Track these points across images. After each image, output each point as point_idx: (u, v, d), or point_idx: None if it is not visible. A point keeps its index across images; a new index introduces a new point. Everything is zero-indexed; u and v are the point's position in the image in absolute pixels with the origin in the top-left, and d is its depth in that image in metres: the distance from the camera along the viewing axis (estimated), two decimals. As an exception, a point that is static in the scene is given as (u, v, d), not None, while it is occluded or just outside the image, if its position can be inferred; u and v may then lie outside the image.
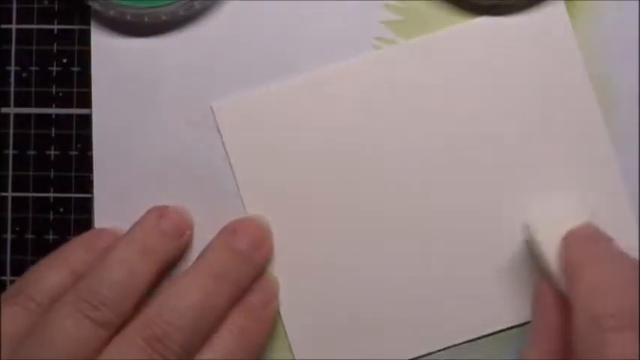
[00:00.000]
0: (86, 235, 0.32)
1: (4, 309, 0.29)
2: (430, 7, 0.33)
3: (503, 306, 0.33)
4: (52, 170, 0.34)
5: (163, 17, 0.32)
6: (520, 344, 0.33)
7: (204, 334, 0.29)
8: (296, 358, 0.33)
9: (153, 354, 0.27)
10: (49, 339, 0.27)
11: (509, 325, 0.33)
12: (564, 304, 0.28)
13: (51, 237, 0.34)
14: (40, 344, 0.27)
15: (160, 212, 0.31)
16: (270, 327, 0.32)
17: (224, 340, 0.29)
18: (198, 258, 0.30)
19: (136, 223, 0.31)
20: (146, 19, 0.32)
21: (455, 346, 0.33)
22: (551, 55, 0.33)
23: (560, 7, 0.33)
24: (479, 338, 0.33)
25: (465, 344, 0.33)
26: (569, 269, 0.28)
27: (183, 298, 0.28)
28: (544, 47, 0.33)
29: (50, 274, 0.30)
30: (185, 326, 0.28)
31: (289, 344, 0.33)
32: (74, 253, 0.31)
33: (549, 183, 0.33)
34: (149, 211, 0.32)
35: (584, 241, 0.29)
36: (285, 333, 0.33)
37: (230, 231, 0.31)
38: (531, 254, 0.32)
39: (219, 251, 0.30)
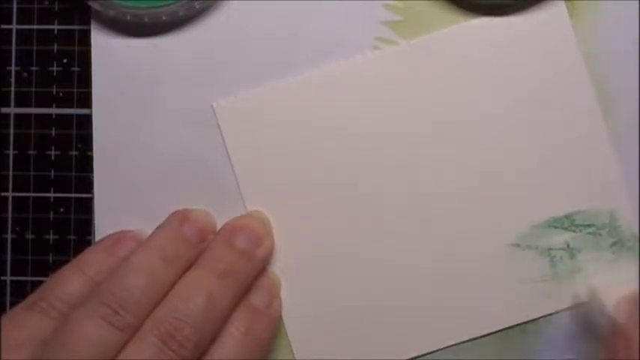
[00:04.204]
0: (107, 241, 0.32)
1: (27, 315, 0.29)
2: (430, 7, 0.33)
3: (503, 305, 0.33)
4: (52, 170, 0.34)
5: (163, 17, 0.32)
6: (520, 344, 0.33)
7: (212, 333, 0.29)
8: (296, 357, 0.33)
9: (168, 352, 0.27)
10: (70, 343, 0.27)
11: (510, 324, 0.33)
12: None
13: (51, 237, 0.34)
14: (61, 348, 0.27)
15: (182, 216, 0.31)
16: (276, 325, 0.32)
17: (232, 340, 0.29)
18: (201, 257, 0.30)
19: (158, 228, 0.31)
20: (146, 19, 0.32)
21: (455, 345, 0.33)
22: (552, 55, 0.33)
23: (561, 7, 0.33)
24: (479, 338, 0.33)
25: (465, 344, 0.33)
26: (627, 329, 0.29)
27: (189, 298, 0.28)
28: (544, 47, 0.33)
29: (71, 281, 0.30)
30: (195, 324, 0.28)
31: (289, 343, 0.33)
32: (95, 259, 0.31)
33: (549, 181, 0.33)
34: (172, 215, 0.32)
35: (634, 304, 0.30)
36: (285, 332, 0.33)
37: (230, 229, 0.31)
38: (589, 314, 0.32)
39: (221, 250, 0.30)
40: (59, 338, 0.27)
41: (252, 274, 0.31)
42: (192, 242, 0.31)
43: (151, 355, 0.27)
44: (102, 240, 0.32)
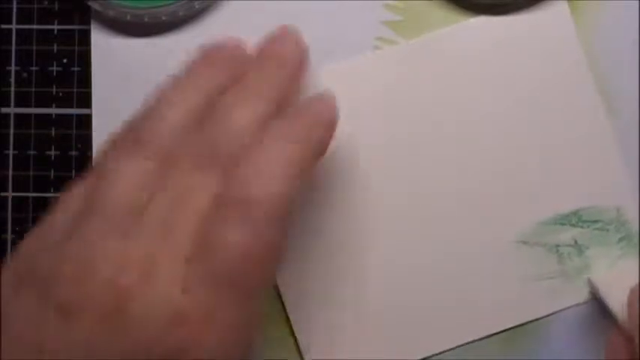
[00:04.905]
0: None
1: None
2: (430, 6, 0.33)
3: (511, 304, 0.33)
4: (52, 170, 0.34)
5: (163, 17, 0.33)
6: (520, 344, 0.33)
7: None
8: (305, 358, 0.33)
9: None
10: (105, 186, 0.25)
11: (519, 323, 0.33)
12: (633, 352, 0.28)
13: (51, 237, 0.34)
14: (99, 193, 0.25)
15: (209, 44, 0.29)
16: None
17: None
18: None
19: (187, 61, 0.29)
20: (146, 19, 0.32)
21: (460, 346, 0.33)
22: (554, 53, 0.33)
23: (562, 5, 0.33)
24: (487, 337, 0.33)
25: (467, 345, 0.33)
26: (632, 319, 0.28)
27: (229, 122, 0.26)
28: (547, 45, 0.33)
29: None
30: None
31: (297, 343, 0.33)
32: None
33: (555, 178, 0.33)
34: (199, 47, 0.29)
35: None
36: (294, 333, 0.33)
37: (265, 47, 0.29)
38: (599, 304, 0.32)
39: (255, 72, 0.28)
40: (96, 184, 0.26)
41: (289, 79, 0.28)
42: (221, 64, 0.28)
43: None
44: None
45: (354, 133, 0.33)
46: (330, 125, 0.27)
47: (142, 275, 0.24)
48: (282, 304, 0.33)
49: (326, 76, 0.33)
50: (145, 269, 0.24)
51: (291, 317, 0.33)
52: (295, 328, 0.33)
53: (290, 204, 0.25)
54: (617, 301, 0.30)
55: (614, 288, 0.31)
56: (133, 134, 0.27)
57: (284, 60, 0.28)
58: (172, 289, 0.24)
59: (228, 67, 0.28)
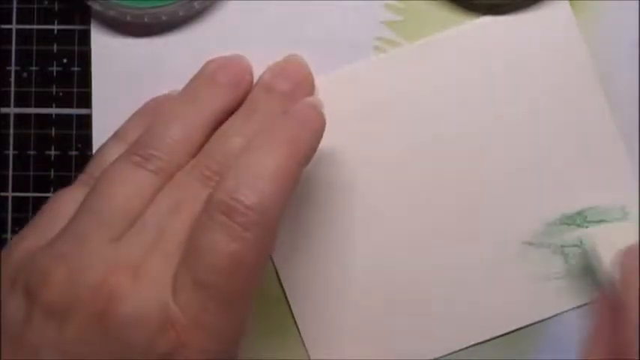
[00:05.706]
0: (143, 109, 0.31)
1: (71, 191, 0.28)
2: (430, 7, 0.33)
3: (517, 305, 0.33)
4: (52, 170, 0.34)
5: (163, 17, 0.33)
6: (522, 346, 0.33)
7: None
8: (311, 357, 0.33)
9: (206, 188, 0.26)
10: (104, 191, 0.26)
11: (525, 324, 0.33)
12: (619, 313, 0.28)
13: (51, 237, 0.34)
14: (97, 197, 0.26)
15: (215, 65, 0.31)
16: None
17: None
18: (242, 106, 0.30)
19: (191, 79, 0.31)
20: (146, 20, 0.32)
21: (465, 348, 0.33)
22: (557, 53, 0.32)
23: (564, 5, 0.33)
24: (494, 339, 0.33)
25: (471, 347, 0.33)
26: (624, 278, 0.28)
27: (228, 140, 0.28)
28: (549, 45, 0.32)
29: (112, 150, 0.29)
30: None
31: (304, 344, 0.33)
32: (133, 126, 0.30)
33: (560, 179, 0.33)
34: (204, 65, 0.31)
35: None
36: (299, 332, 0.33)
37: (268, 75, 0.30)
38: (585, 264, 0.32)
39: (259, 94, 0.30)
40: (93, 189, 0.27)
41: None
42: (226, 86, 0.30)
43: (185, 191, 0.26)
44: (137, 110, 0.32)
45: (359, 136, 0.33)
46: (317, 131, 0.28)
47: (132, 278, 0.24)
48: (289, 309, 0.33)
49: (331, 81, 0.33)
50: (135, 272, 0.25)
51: (297, 317, 0.33)
52: (301, 328, 0.33)
53: (280, 209, 0.26)
54: (607, 262, 0.30)
55: (605, 248, 0.30)
56: (135, 149, 0.27)
57: (293, 84, 0.30)
58: (162, 293, 0.24)
59: (231, 86, 0.30)
